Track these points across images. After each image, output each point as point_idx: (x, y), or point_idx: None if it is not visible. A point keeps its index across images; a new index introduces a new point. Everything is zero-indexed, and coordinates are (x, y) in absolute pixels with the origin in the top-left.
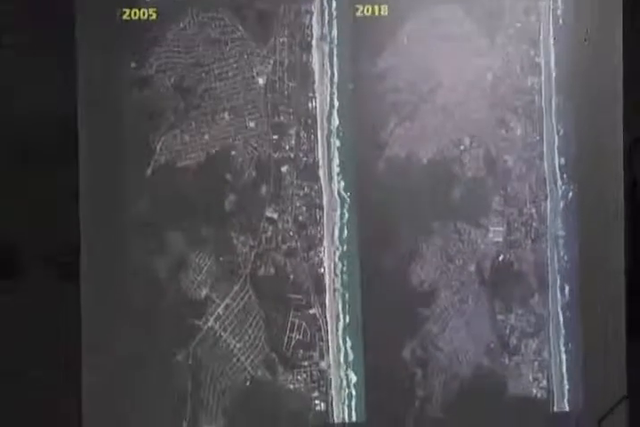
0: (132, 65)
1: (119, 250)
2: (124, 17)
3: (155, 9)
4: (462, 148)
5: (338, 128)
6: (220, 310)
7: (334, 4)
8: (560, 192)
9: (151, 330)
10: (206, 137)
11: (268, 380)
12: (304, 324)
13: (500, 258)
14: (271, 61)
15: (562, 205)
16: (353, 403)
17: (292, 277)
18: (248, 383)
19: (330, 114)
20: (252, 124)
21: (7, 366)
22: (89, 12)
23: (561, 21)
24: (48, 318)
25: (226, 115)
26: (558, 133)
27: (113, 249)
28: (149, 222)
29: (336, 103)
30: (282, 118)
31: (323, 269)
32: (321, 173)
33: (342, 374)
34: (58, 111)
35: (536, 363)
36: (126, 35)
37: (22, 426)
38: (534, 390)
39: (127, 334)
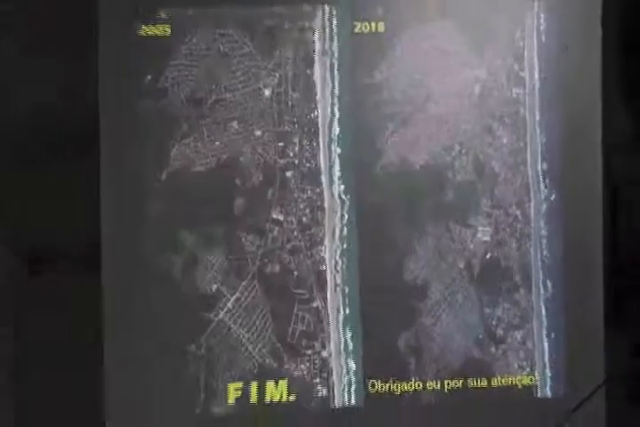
0: (148, 77)
1: (136, 248)
2: (141, 33)
3: (169, 26)
4: (453, 154)
5: (338, 136)
6: (229, 304)
7: (334, 22)
8: (543, 195)
9: (166, 322)
10: (217, 144)
11: (273, 368)
12: (307, 316)
13: (488, 256)
14: (276, 74)
15: (544, 207)
16: (352, 389)
17: (296, 273)
18: (255, 371)
19: (331, 123)
20: (258, 133)
21: (40, 353)
22: (110, 27)
23: (544, 38)
24: (70, 310)
25: (234, 124)
26: (541, 141)
27: (131, 247)
28: (164, 222)
29: (336, 113)
30: (286, 127)
31: (324, 266)
32: (323, 177)
33: (342, 362)
34: (81, 117)
35: (521, 352)
36: (143, 49)
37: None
38: (519, 378)
39: (144, 326)
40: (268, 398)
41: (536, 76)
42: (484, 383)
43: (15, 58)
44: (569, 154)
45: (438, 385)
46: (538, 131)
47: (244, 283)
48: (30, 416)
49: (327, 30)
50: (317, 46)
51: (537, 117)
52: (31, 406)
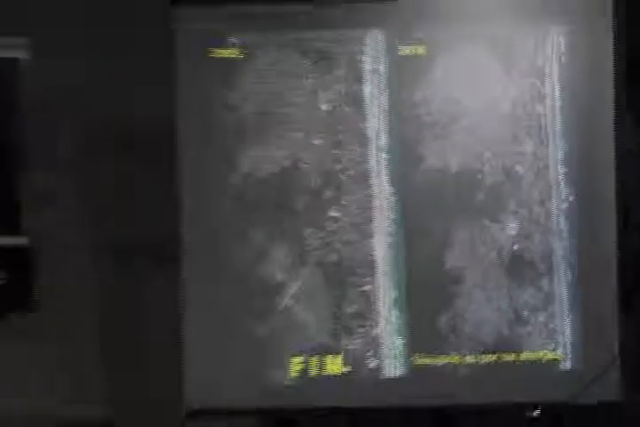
0: (221, 94)
1: (212, 242)
2: (214, 55)
3: (239, 49)
4: (483, 160)
5: (385, 144)
6: (293, 290)
7: (382, 45)
8: (563, 195)
9: (238, 306)
10: (281, 152)
11: (331, 344)
12: (360, 299)
13: (515, 248)
14: (332, 91)
15: (564, 205)
16: (399, 362)
17: (350, 262)
18: (315, 347)
19: (379, 133)
20: (317, 142)
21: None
22: (187, 50)
23: (563, 59)
24: (155, 298)
25: (296, 134)
26: (561, 149)
27: (207, 241)
28: (236, 219)
29: (384, 124)
30: (340, 137)
31: (375, 256)
32: (372, 180)
33: (390, 338)
34: (164, 126)
35: (544, 331)
36: (217, 68)
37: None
38: (543, 353)
39: (219, 310)
40: (326, 370)
41: (557, 93)
42: (513, 358)
43: (108, 76)
44: (585, 160)
45: (474, 359)
46: (558, 140)
47: (305, 271)
48: (121, 392)
49: (375, 52)
50: (367, 66)
51: (557, 129)
52: (119, 384)
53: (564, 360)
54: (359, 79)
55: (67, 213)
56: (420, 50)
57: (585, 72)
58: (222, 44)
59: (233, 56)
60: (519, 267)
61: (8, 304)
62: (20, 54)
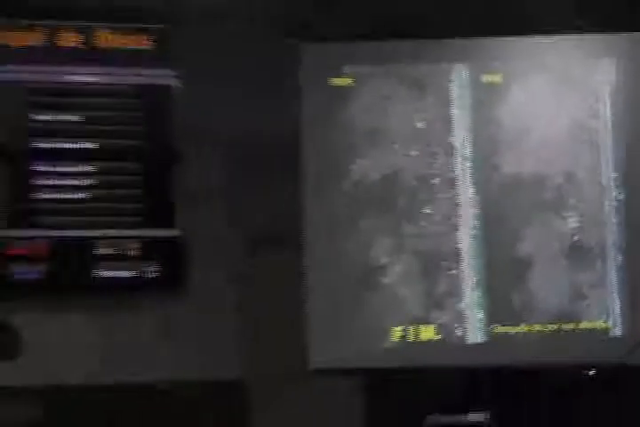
0: (337, 114)
1: (329, 234)
2: (332, 83)
3: (352, 78)
4: (550, 167)
5: (469, 155)
6: (395, 271)
7: (466, 75)
8: (614, 195)
9: (352, 286)
10: (384, 161)
11: (425, 316)
12: (449, 280)
13: (575, 238)
14: (425, 112)
15: (615, 203)
16: (480, 331)
17: (440, 249)
18: (412, 318)
19: (463, 146)
20: (413, 153)
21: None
22: (309, 78)
23: (615, 84)
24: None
25: (396, 146)
26: (612, 157)
27: (325, 235)
28: (348, 215)
29: (468, 139)
30: (433, 149)
31: (460, 245)
32: (458, 183)
33: (473, 312)
34: (291, 141)
35: (599, 305)
36: (333, 94)
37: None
38: (598, 323)
39: (337, 290)
40: (420, 338)
41: (608, 112)
42: (573, 327)
43: (246, 99)
44: (632, 165)
45: (540, 328)
46: (610, 150)
47: (404, 257)
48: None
49: (460, 81)
50: (454, 92)
51: (609, 142)
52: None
53: (614, 328)
54: (447, 102)
55: (215, 210)
56: (497, 78)
57: (632, 94)
58: (338, 74)
59: (346, 84)
60: (578, 253)
61: (163, 289)
62: (173, 82)
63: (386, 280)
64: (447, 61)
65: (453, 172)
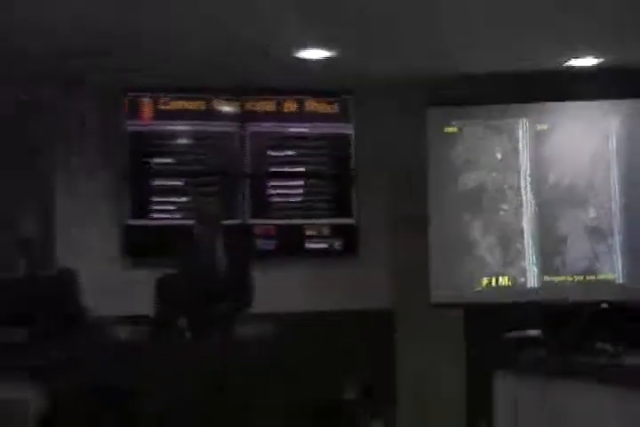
0: (448, 152)
1: (444, 221)
2: (445, 131)
3: (457, 128)
4: (578, 179)
5: (529, 174)
6: (483, 244)
7: (525, 125)
8: (618, 198)
9: (459, 251)
10: (477, 178)
11: (503, 270)
12: (515, 249)
13: (595, 223)
14: (503, 148)
15: (619, 203)
16: (536, 279)
17: (510, 233)
18: (494, 272)
19: (525, 171)
20: (494, 174)
21: None
22: (430, 128)
23: (624, 134)
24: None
25: (483, 171)
26: (618, 173)
27: (442, 220)
28: (456, 210)
29: (528, 168)
30: (506, 171)
31: (523, 229)
32: (522, 191)
33: (531, 267)
34: (419, 173)
35: (609, 265)
36: (445, 139)
37: None
38: (609, 275)
39: (448, 252)
40: (498, 284)
41: (614, 148)
42: (595, 277)
43: (381, 141)
44: (631, 180)
45: (574, 279)
46: (616, 169)
47: (489, 237)
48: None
49: (522, 129)
50: (518, 136)
51: (614, 163)
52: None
53: (619, 279)
54: (516, 142)
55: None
56: (545, 126)
57: (634, 132)
58: (448, 125)
59: (454, 131)
60: (595, 232)
61: None
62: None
63: (478, 249)
64: (516, 117)
65: (518, 184)
